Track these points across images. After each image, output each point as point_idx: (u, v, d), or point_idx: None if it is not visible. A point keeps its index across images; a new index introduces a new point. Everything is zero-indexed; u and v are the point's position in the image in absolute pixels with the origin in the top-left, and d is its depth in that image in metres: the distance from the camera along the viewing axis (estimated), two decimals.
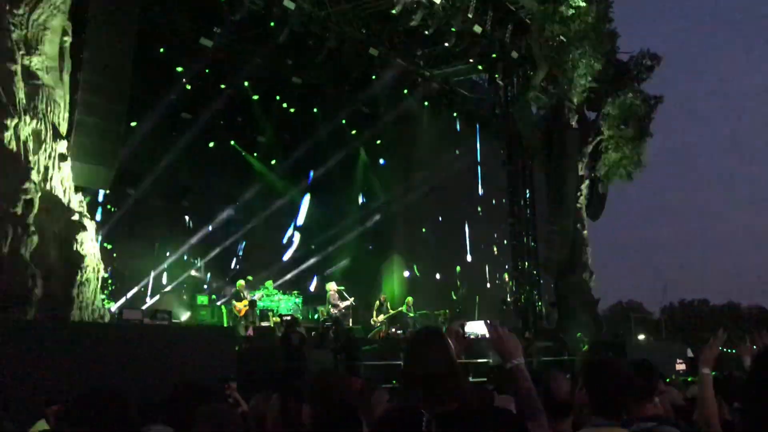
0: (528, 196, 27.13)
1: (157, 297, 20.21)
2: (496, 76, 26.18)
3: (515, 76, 26.29)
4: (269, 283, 21.60)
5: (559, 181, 25.50)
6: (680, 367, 22.95)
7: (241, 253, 24.47)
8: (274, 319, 19.63)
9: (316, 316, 22.15)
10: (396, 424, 2.81)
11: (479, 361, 16.86)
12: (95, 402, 2.14)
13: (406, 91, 26.68)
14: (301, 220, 26.70)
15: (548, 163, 26.03)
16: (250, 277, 20.65)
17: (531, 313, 26.08)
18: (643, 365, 4.22)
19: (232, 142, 24.47)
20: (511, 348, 3.20)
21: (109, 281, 18.83)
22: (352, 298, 21.07)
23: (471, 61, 25.76)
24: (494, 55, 25.19)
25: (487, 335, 3.31)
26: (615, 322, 43.15)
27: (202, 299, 20.60)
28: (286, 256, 25.69)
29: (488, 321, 3.39)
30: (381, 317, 21.75)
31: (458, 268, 30.03)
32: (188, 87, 21.65)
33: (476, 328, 3.41)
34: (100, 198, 19.48)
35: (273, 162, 25.30)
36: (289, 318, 18.14)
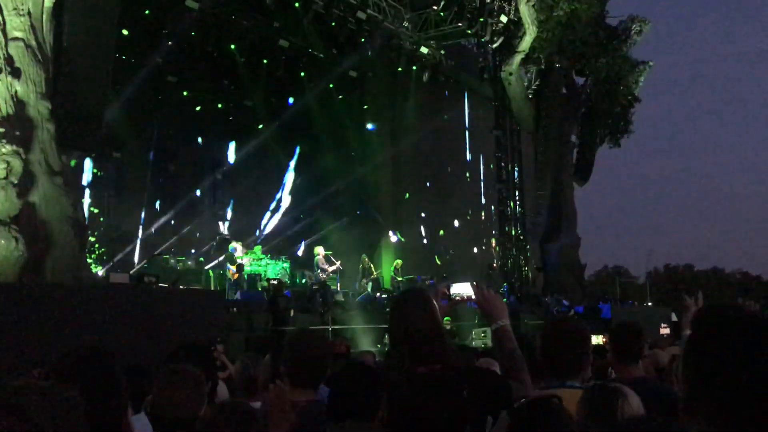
0: (515, 161, 27.16)
1: (144, 261, 20.17)
2: (485, 40, 26.00)
3: (504, 41, 26.15)
4: (258, 248, 21.61)
5: (546, 146, 25.56)
6: (665, 331, 23.24)
7: (228, 218, 24.42)
8: (261, 283, 19.68)
9: (303, 281, 22.21)
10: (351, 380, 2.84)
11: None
12: (79, 358, 2.13)
13: (393, 55, 26.48)
14: (288, 184, 26.62)
15: (536, 128, 26.06)
16: (237, 242, 20.65)
17: (517, 278, 26.26)
18: (629, 328, 4.25)
19: (220, 105, 24.30)
20: (497, 309, 3.22)
21: (96, 245, 18.79)
22: (339, 262, 21.16)
23: (459, 25, 25.58)
24: (482, 20, 25.00)
25: (473, 296, 3.33)
26: (601, 287, 43.51)
27: (190, 263, 20.60)
28: (274, 221, 25.66)
29: (474, 282, 3.40)
30: (364, 281, 21.82)
31: (441, 232, 30.14)
32: (174, 50, 21.39)
33: (462, 289, 3.44)
34: (86, 161, 19.34)
35: (260, 126, 25.15)
36: (275, 282, 18.18)
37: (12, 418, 1.29)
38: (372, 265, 22.44)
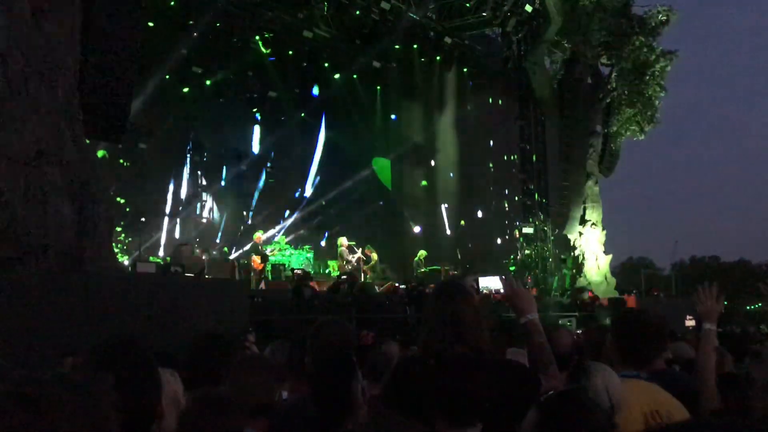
0: (540, 151, 27.00)
1: (170, 251, 20.34)
2: (510, 30, 25.82)
3: (529, 31, 25.97)
4: (282, 239, 21.71)
5: (571, 136, 25.39)
6: (690, 323, 23.02)
7: (252, 208, 24.54)
8: (286, 273, 19.77)
9: (327, 271, 22.27)
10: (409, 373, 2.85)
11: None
12: (114, 347, 2.16)
13: (417, 45, 26.42)
14: (312, 175, 26.68)
15: (561, 118, 25.89)
16: (261, 232, 20.75)
17: (541, 270, 26.15)
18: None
19: (244, 96, 24.40)
20: (525, 303, 3.22)
21: (122, 235, 18.98)
22: (361, 250, 21.22)
23: (484, 14, 25.44)
24: (507, 9, 24.85)
25: (502, 290, 3.34)
26: (626, 278, 43.22)
27: (215, 253, 20.73)
28: (298, 212, 25.74)
29: (503, 276, 3.42)
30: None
31: (462, 222, 30.06)
32: (199, 41, 21.50)
33: (491, 283, 3.42)
34: (113, 152, 19.51)
35: (284, 117, 25.21)
36: (300, 272, 18.26)
37: (21, 410, 1.24)
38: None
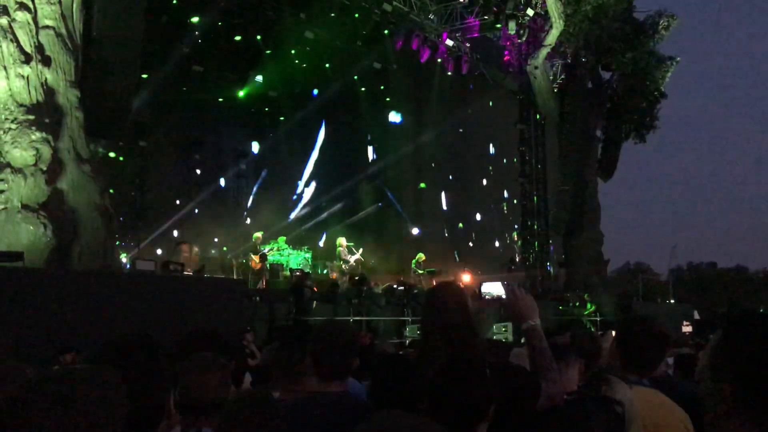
0: (539, 155, 27.03)
1: (169, 249, 20.34)
2: (511, 33, 25.82)
3: (530, 34, 25.98)
4: (282, 239, 21.70)
5: (571, 140, 25.40)
6: (687, 329, 23.05)
7: (252, 208, 24.55)
8: (284, 273, 19.77)
9: (325, 271, 22.28)
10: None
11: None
12: (123, 344, 2.17)
13: (418, 47, 26.44)
14: (310, 174, 26.68)
15: (561, 122, 25.91)
16: (260, 232, 20.75)
17: (539, 273, 26.16)
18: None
19: (244, 95, 24.40)
20: (527, 309, 3.24)
21: (122, 232, 18.97)
22: (360, 250, 21.26)
23: (485, 18, 25.45)
24: (509, 12, 24.85)
25: (504, 296, 3.35)
26: (623, 284, 43.24)
27: (214, 252, 20.74)
28: (296, 212, 25.76)
29: (506, 282, 3.43)
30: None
31: (461, 225, 30.08)
32: (200, 39, 21.51)
33: (493, 288, 3.42)
34: (113, 149, 19.50)
35: (284, 117, 25.23)
36: (299, 273, 18.26)
37: (59, 408, 1.31)
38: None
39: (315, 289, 16.57)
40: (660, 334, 3.41)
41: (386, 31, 24.65)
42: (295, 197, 26.14)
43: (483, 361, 2.96)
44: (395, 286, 20.35)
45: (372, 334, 10.39)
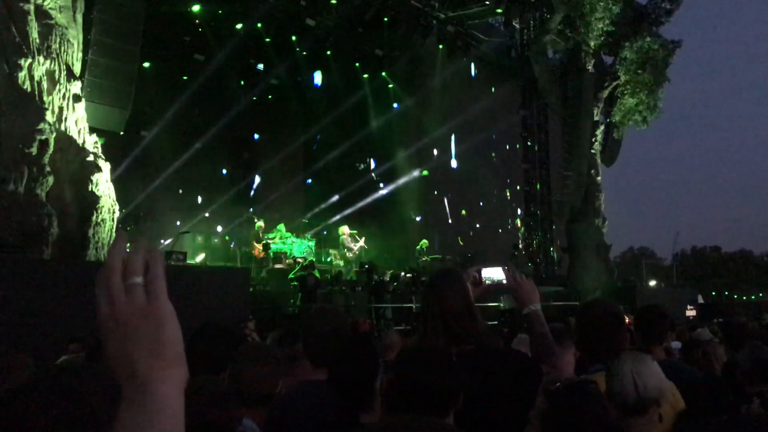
0: (542, 141, 26.97)
1: (171, 238, 20.36)
2: (513, 19, 25.69)
3: (532, 19, 25.85)
4: (281, 226, 21.70)
5: (573, 126, 25.31)
6: (690, 313, 23.07)
7: (254, 196, 24.55)
8: (287, 261, 19.79)
9: (329, 259, 22.30)
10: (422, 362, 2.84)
11: (490, 304, 17.11)
12: None
13: (420, 33, 26.33)
14: (312, 162, 26.66)
15: (563, 108, 25.81)
16: (262, 220, 20.75)
17: (542, 259, 26.16)
18: (652, 310, 4.26)
19: (245, 83, 24.36)
20: (528, 294, 3.23)
21: (124, 222, 18.98)
22: (363, 239, 21.26)
23: (487, 3, 25.32)
24: None
25: (504, 281, 3.33)
26: (626, 268, 43.27)
27: (217, 241, 20.76)
28: (299, 200, 25.76)
29: (506, 267, 3.40)
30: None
31: (464, 212, 30.05)
32: (201, 28, 21.45)
33: (493, 273, 3.40)
34: (114, 139, 19.49)
35: (284, 106, 25.18)
36: (303, 261, 18.29)
37: (67, 402, 1.29)
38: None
39: (318, 277, 16.57)
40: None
41: (385, 18, 24.52)
42: (297, 185, 26.12)
43: (486, 353, 2.96)
44: (403, 273, 20.43)
45: (371, 320, 10.40)
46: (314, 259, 20.03)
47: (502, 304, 17.13)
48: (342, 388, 2.87)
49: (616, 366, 2.74)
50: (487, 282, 3.35)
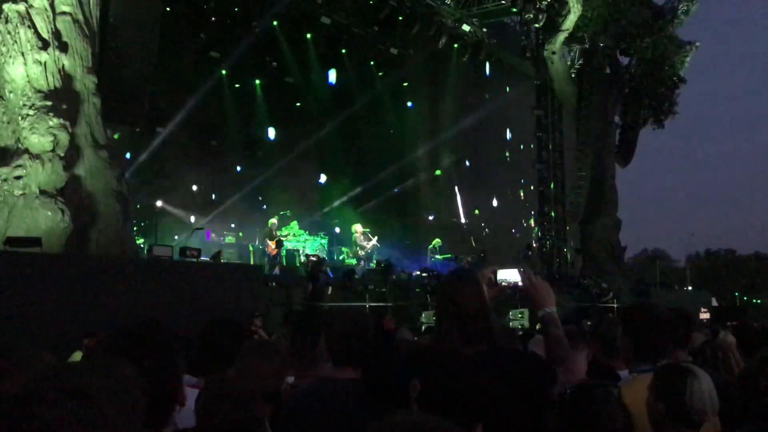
0: (556, 141, 26.86)
1: (186, 234, 20.42)
2: (528, 18, 25.59)
3: (547, 19, 25.73)
4: (294, 224, 21.74)
5: (588, 126, 25.22)
6: (704, 316, 22.94)
7: (268, 193, 24.59)
8: (300, 259, 19.83)
9: (341, 257, 22.32)
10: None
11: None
12: (135, 332, 2.16)
13: (435, 33, 26.28)
14: (325, 161, 26.67)
15: (578, 108, 25.71)
16: (276, 218, 20.79)
17: (556, 259, 26.07)
18: (678, 314, 4.22)
19: (261, 81, 24.41)
20: (544, 296, 3.22)
21: (139, 218, 19.06)
22: (376, 237, 21.26)
23: (503, 2, 25.23)
24: None
25: (520, 283, 3.33)
26: (640, 270, 43.03)
27: (230, 238, 20.81)
28: (311, 197, 25.78)
29: (522, 269, 3.39)
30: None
31: (477, 211, 29.99)
32: (217, 25, 21.50)
33: (509, 275, 3.38)
34: (130, 135, 19.57)
35: (298, 104, 25.22)
36: (315, 258, 18.31)
37: (75, 401, 1.27)
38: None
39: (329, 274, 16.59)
40: (666, 319, 3.36)
41: (400, 17, 24.45)
42: (309, 183, 26.14)
43: (501, 354, 2.95)
44: (418, 272, 20.43)
45: (395, 320, 10.39)
46: (326, 257, 20.09)
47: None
48: (377, 389, 2.85)
49: (692, 383, 2.70)
50: (502, 284, 3.35)
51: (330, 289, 15.99)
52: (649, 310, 3.45)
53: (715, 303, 26.45)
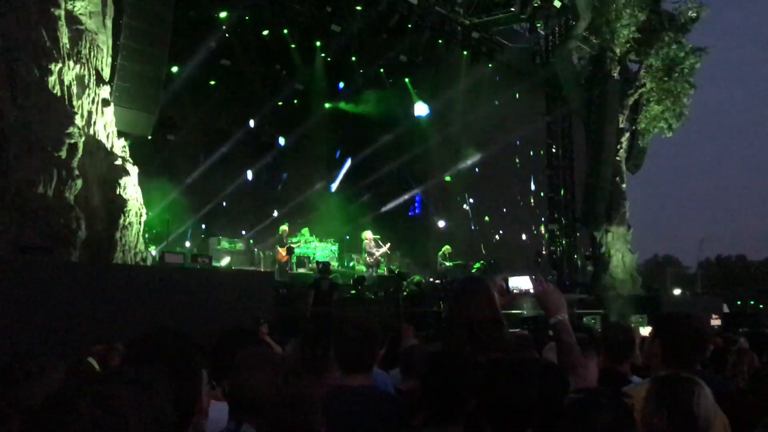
0: (566, 147, 26.83)
1: (197, 242, 20.51)
2: (538, 25, 25.58)
3: (557, 26, 25.74)
4: (305, 230, 21.77)
5: (598, 133, 25.16)
6: (715, 322, 22.82)
7: (279, 200, 24.65)
8: (311, 265, 19.87)
9: (351, 264, 22.34)
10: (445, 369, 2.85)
11: (513, 312, 17.04)
12: (155, 340, 2.14)
13: (444, 40, 26.29)
14: (336, 167, 26.72)
15: (588, 114, 25.66)
16: (287, 224, 20.84)
17: (566, 266, 26.01)
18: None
19: (271, 89, 24.50)
20: (556, 303, 3.24)
21: (150, 225, 19.12)
22: (388, 244, 21.26)
23: (512, 9, 25.22)
24: (536, 4, 24.61)
25: (532, 290, 3.34)
26: (651, 276, 42.92)
27: (241, 245, 20.86)
28: (323, 204, 25.81)
29: (533, 276, 3.41)
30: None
31: (487, 218, 29.95)
32: (228, 34, 21.61)
33: (520, 282, 3.37)
34: (141, 142, 19.66)
35: (310, 110, 25.27)
36: (320, 264, 18.34)
37: (99, 409, 1.28)
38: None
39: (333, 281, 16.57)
40: (701, 330, 3.40)
41: (409, 25, 24.46)
42: (320, 190, 26.19)
43: (513, 362, 2.97)
44: (430, 279, 20.43)
45: (413, 327, 10.36)
46: (337, 264, 20.09)
47: (524, 312, 17.06)
48: (434, 401, 2.86)
49: (700, 393, 2.73)
50: (514, 291, 3.37)
51: (337, 295, 15.96)
52: (688, 321, 3.49)
53: (726, 309, 26.29)
